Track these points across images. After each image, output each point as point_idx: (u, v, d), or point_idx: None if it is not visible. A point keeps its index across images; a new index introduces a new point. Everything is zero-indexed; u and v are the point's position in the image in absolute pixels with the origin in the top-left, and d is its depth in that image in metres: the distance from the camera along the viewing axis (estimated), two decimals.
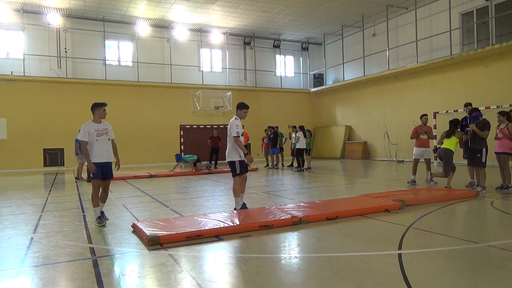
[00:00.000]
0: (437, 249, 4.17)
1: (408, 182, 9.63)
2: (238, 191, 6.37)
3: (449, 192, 7.54)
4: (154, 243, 4.44)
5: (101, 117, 5.83)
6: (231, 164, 6.35)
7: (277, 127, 16.31)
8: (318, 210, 5.95)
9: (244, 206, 6.41)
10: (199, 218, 5.50)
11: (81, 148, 5.78)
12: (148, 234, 4.57)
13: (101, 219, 5.70)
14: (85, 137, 5.68)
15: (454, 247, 4.21)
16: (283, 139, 16.28)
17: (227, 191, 9.52)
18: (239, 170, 6.29)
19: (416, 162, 9.59)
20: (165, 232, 4.66)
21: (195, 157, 14.36)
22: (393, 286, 3.13)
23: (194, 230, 4.81)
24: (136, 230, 5.08)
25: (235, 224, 5.09)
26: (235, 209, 6.37)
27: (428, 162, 9.61)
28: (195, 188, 10.18)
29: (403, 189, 8.46)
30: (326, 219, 5.58)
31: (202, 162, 14.65)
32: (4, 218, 6.48)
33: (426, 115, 9.75)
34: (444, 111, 15.40)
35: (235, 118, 6.38)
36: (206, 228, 4.92)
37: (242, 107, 6.48)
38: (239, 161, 6.30)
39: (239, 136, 6.22)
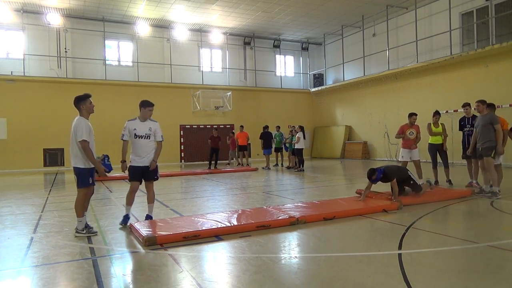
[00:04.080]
0: (437, 249, 4.16)
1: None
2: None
3: (447, 192, 7.54)
4: (151, 243, 4.44)
5: (89, 112, 5.08)
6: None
7: (267, 127, 16.50)
8: (316, 210, 5.95)
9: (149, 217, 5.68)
10: (196, 218, 5.49)
11: (83, 149, 4.82)
12: (145, 234, 4.57)
13: (90, 228, 5.08)
14: (88, 136, 4.88)
15: (454, 247, 4.21)
16: (274, 139, 16.40)
17: (227, 191, 9.54)
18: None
19: (404, 164, 8.72)
20: (162, 233, 4.66)
21: None
22: (393, 286, 3.13)
23: (191, 230, 4.81)
24: (133, 231, 5.05)
25: (232, 225, 5.08)
26: (124, 222, 5.48)
27: (417, 164, 8.89)
28: (195, 188, 10.18)
29: None
30: (323, 219, 5.56)
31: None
32: (4, 218, 6.48)
33: (416, 114, 9.07)
34: (444, 111, 15.36)
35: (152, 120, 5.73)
36: (204, 228, 4.92)
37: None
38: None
39: (124, 140, 5.57)
